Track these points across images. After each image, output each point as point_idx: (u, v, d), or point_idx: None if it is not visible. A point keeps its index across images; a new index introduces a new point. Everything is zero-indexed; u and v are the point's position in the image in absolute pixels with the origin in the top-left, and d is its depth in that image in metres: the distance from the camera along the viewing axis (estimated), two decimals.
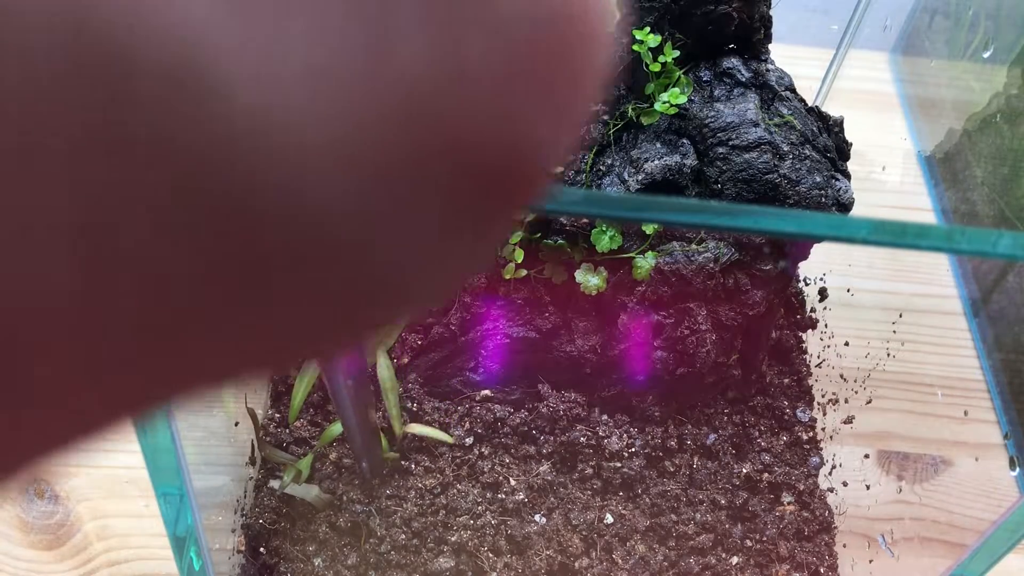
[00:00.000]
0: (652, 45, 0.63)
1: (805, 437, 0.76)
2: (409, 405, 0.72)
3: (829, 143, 0.68)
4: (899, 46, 1.09)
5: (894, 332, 0.79)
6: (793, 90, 0.68)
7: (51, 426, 0.11)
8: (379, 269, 0.12)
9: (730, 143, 0.63)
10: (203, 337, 0.11)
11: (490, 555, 0.67)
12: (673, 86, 0.65)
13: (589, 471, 0.70)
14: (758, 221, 0.35)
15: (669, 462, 0.72)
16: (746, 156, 0.63)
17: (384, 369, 0.65)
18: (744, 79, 0.66)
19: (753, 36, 0.67)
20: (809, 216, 0.38)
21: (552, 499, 0.69)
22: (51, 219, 0.10)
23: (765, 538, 0.71)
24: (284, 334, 0.12)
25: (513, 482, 0.70)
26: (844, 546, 0.72)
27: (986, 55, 0.92)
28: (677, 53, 0.64)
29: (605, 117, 0.65)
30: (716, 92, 0.66)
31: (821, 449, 0.76)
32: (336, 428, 0.69)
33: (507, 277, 0.67)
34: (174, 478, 0.48)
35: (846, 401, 0.78)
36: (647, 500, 0.71)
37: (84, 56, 0.09)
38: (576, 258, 0.66)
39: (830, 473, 0.76)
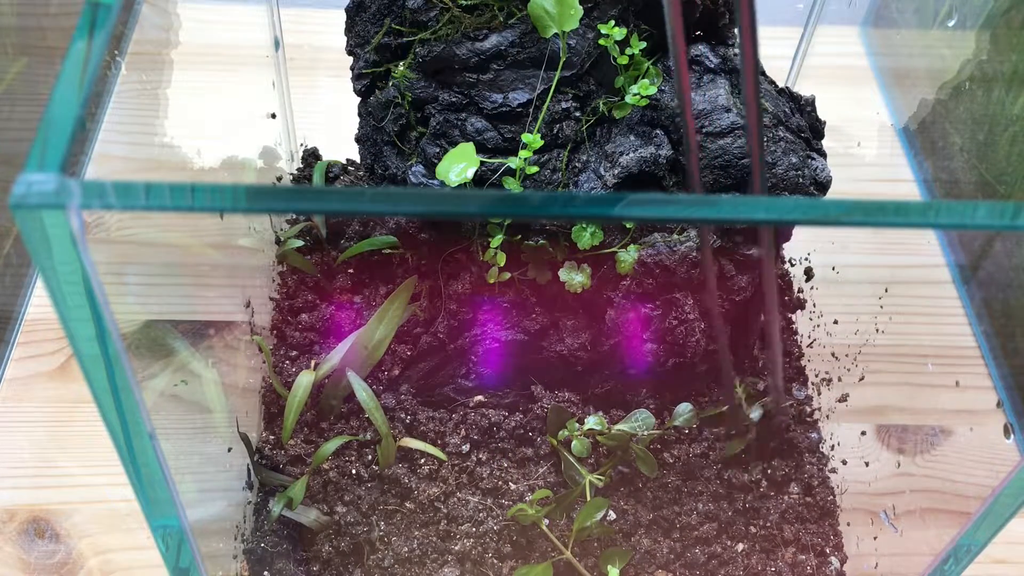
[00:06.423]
0: (618, 38, 0.62)
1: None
2: (403, 416, 0.71)
3: (802, 123, 0.67)
4: (869, 18, 1.09)
5: (881, 307, 0.78)
6: (763, 72, 0.68)
7: None
8: None
9: (703, 130, 0.63)
10: None
11: (495, 561, 0.67)
12: (642, 78, 0.65)
13: (588, 469, 0.70)
14: (732, 210, 0.35)
15: (668, 454, 0.72)
16: (720, 142, 0.63)
17: (361, 391, 0.65)
18: (713, 65, 0.65)
19: (718, 21, 0.67)
20: (784, 202, 0.38)
21: (553, 500, 0.69)
22: None
23: (769, 523, 0.70)
24: None
25: (513, 486, 0.69)
26: (848, 524, 0.71)
27: (951, 24, 0.92)
28: (644, 44, 0.64)
29: (577, 114, 0.64)
30: None
31: (819, 429, 0.76)
32: (330, 446, 0.69)
33: (491, 281, 0.66)
34: (169, 509, 0.48)
35: (839, 379, 0.78)
36: (648, 494, 0.70)
37: None
38: (559, 257, 0.66)
39: (829, 452, 0.76)
